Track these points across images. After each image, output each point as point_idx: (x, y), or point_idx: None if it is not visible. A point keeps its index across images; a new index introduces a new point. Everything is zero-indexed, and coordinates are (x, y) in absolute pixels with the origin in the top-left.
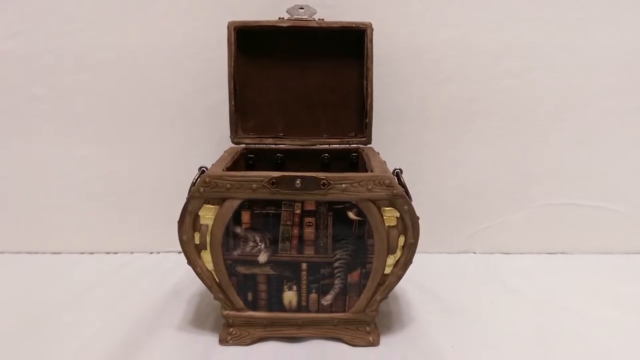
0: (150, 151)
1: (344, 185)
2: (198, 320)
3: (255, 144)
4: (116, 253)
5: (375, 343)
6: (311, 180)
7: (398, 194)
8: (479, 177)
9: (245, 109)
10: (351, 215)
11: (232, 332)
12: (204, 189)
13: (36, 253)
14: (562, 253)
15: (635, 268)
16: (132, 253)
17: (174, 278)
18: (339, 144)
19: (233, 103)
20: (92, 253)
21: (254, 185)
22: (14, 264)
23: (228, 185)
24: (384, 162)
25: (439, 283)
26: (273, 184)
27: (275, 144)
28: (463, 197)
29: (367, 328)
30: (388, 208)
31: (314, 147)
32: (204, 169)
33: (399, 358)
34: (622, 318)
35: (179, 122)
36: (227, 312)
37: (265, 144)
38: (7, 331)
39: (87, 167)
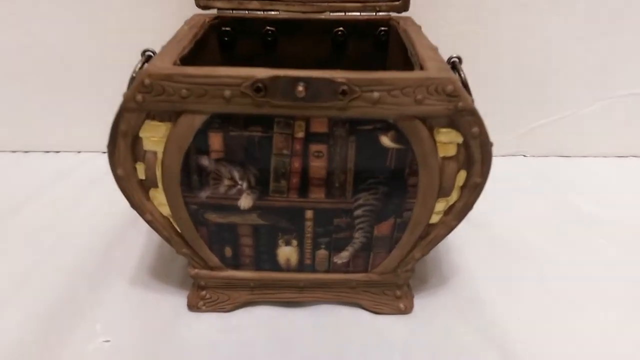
0: (90, 18)
1: (376, 93)
2: (161, 268)
3: (233, 9)
4: (58, 152)
5: (407, 310)
6: (323, 85)
7: (465, 107)
8: (546, 57)
9: None
10: (386, 141)
11: (205, 296)
12: (143, 96)
13: None
14: (634, 156)
15: None
16: (78, 152)
17: None
18: (360, 11)
19: None
20: (26, 152)
21: (227, 92)
22: None
23: (184, 90)
24: (435, 47)
25: (484, 206)
26: (259, 89)
27: (263, 10)
28: (522, 83)
29: (398, 292)
30: (445, 129)
31: (322, 15)
32: (150, 53)
33: (439, 331)
34: None
35: None
36: (196, 271)
37: (248, 10)
38: None
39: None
